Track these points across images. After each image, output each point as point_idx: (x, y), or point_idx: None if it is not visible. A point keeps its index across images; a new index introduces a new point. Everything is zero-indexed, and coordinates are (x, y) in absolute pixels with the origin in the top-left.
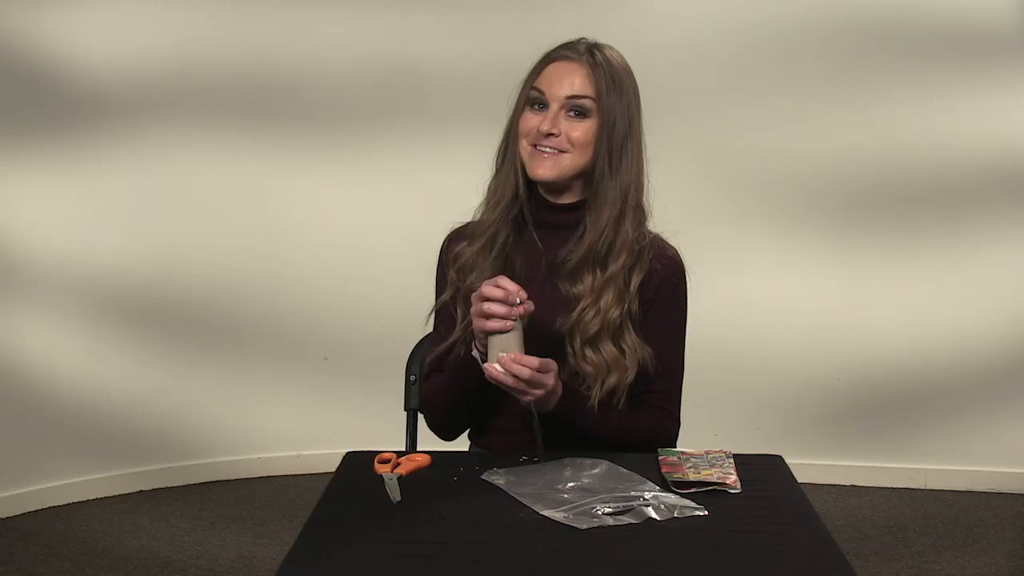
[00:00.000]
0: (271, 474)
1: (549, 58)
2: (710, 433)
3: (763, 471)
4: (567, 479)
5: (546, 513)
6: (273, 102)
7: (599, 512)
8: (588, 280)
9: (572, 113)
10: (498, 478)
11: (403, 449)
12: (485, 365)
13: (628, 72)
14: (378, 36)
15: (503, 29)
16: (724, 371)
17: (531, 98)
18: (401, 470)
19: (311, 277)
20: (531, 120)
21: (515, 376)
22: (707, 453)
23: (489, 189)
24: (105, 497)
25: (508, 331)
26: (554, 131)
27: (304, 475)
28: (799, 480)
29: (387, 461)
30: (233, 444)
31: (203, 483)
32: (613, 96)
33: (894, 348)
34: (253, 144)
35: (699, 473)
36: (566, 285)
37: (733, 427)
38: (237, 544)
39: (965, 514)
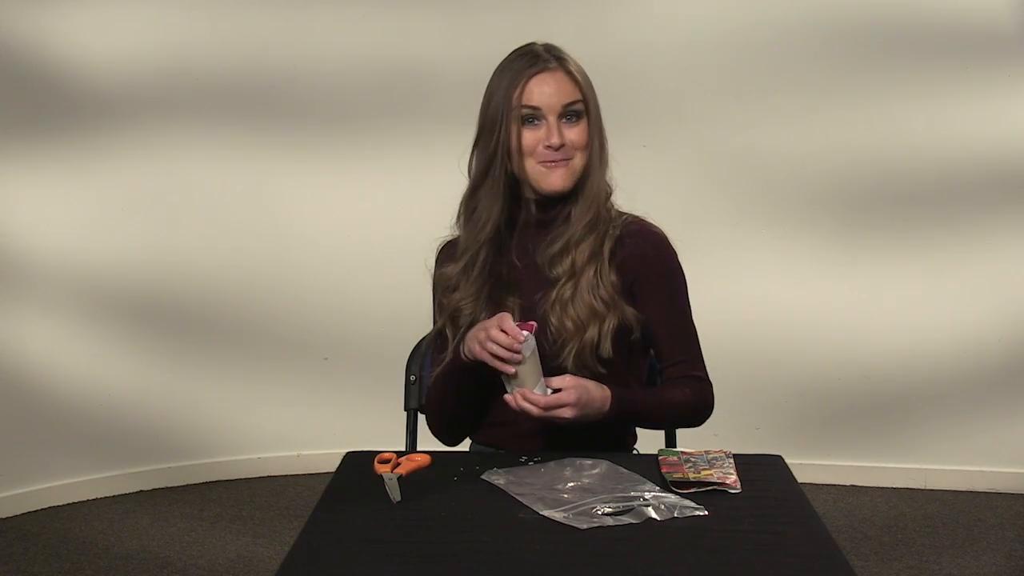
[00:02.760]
0: (271, 474)
1: (525, 74)
2: (710, 433)
3: (763, 471)
4: (567, 479)
5: (546, 513)
6: (273, 102)
7: (599, 512)
8: (567, 261)
9: (566, 119)
10: (498, 478)
11: (403, 449)
12: (506, 397)
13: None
14: (378, 36)
15: (503, 29)
16: (724, 371)
17: (523, 116)
18: (401, 470)
19: (311, 277)
20: (530, 136)
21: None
22: (707, 453)
23: (465, 208)
24: (105, 497)
25: (514, 372)
26: (563, 141)
27: (304, 475)
28: (799, 480)
29: (387, 461)
30: (233, 444)
31: (203, 483)
32: (590, 92)
33: (894, 348)
34: (253, 144)
35: (699, 473)
36: (547, 268)
37: (733, 427)
38: (237, 544)
39: (965, 514)
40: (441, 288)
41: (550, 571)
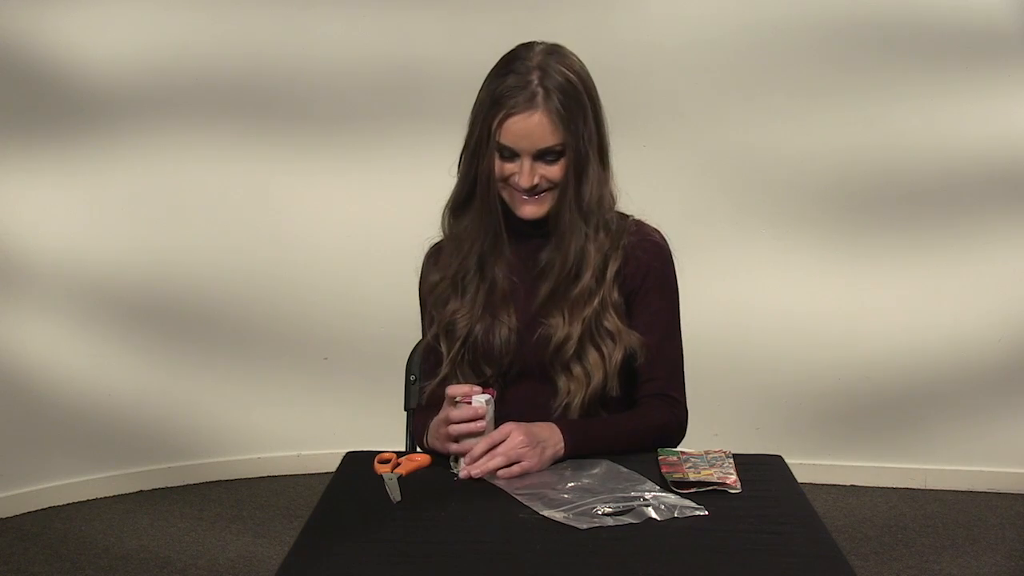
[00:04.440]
0: (271, 474)
1: (506, 106)
2: (710, 433)
3: (763, 471)
4: (567, 479)
5: (546, 513)
6: (273, 102)
7: (599, 512)
8: (557, 317)
9: (543, 159)
10: (498, 478)
11: (403, 449)
12: (461, 474)
13: (580, 80)
14: (378, 36)
15: (503, 29)
16: (724, 371)
17: (499, 149)
18: (401, 470)
19: (311, 277)
20: (507, 167)
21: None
22: (707, 453)
23: (451, 219)
24: (105, 497)
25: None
26: (534, 182)
27: (304, 475)
28: (799, 480)
29: (387, 461)
30: (233, 444)
31: (203, 483)
32: (574, 126)
33: (894, 348)
34: (253, 144)
35: (699, 473)
36: (542, 316)
37: (733, 427)
38: (237, 544)
39: (965, 514)
40: (433, 299)
41: (550, 571)
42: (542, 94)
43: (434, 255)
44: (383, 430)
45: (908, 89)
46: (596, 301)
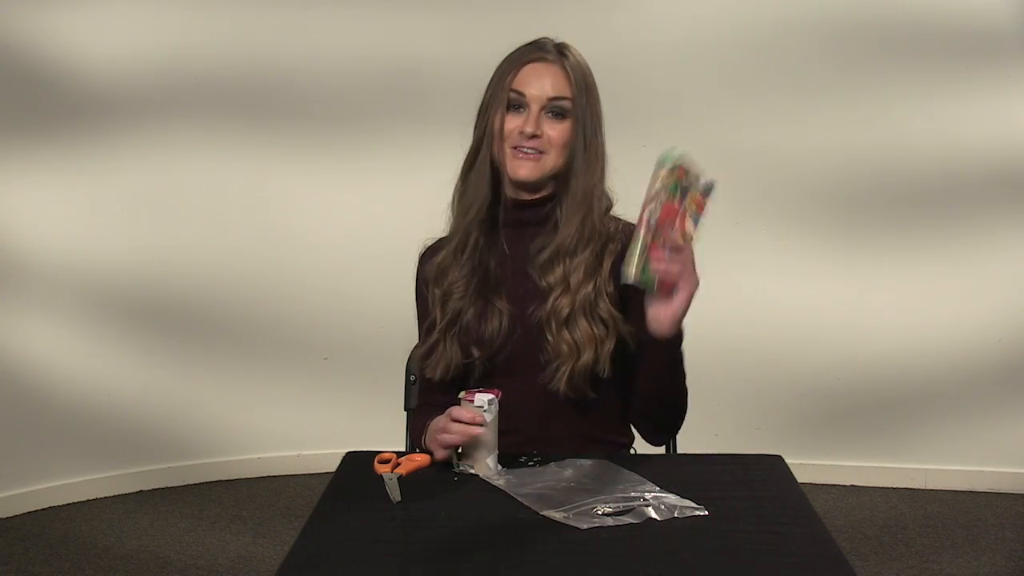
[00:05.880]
0: (271, 474)
1: (521, 60)
2: (710, 433)
3: (763, 471)
4: (567, 479)
5: (546, 513)
6: (273, 102)
7: (599, 512)
8: (559, 271)
9: (551, 114)
10: (498, 478)
11: (403, 449)
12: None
13: (590, 71)
14: (378, 36)
15: (503, 29)
16: (724, 371)
17: (510, 100)
18: (401, 470)
19: (311, 277)
20: (511, 122)
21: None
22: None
23: (455, 196)
24: (105, 497)
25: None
26: (538, 132)
27: (304, 475)
28: (799, 480)
29: (387, 461)
30: (233, 444)
31: (203, 483)
32: (584, 96)
33: (894, 348)
34: (253, 144)
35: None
36: (538, 276)
37: (733, 427)
38: (237, 544)
39: (965, 514)
40: (433, 278)
41: (550, 571)
42: (556, 53)
43: (429, 254)
44: (383, 430)
45: (908, 89)
46: (591, 286)
